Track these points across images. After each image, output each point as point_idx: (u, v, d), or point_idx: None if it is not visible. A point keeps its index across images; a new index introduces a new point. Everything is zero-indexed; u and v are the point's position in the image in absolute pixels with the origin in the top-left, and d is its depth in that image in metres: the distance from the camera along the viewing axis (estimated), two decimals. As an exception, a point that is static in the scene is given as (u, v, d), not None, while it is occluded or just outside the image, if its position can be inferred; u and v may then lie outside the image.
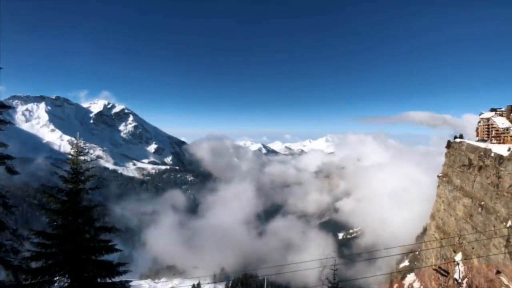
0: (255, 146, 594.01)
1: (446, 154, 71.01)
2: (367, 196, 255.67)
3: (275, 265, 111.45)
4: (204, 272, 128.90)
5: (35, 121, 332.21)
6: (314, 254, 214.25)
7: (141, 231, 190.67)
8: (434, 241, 66.14)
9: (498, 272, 50.41)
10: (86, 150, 11.28)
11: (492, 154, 57.27)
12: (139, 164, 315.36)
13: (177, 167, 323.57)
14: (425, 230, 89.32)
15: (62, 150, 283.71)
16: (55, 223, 9.86)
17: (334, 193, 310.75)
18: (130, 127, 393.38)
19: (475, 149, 61.07)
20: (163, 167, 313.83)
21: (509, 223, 50.51)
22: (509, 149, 53.68)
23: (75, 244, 9.67)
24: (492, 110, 62.06)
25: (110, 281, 10.63)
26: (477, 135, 64.10)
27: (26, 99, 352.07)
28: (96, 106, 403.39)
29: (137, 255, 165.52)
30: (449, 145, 69.83)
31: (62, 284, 9.68)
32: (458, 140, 67.46)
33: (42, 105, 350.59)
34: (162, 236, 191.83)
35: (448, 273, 23.47)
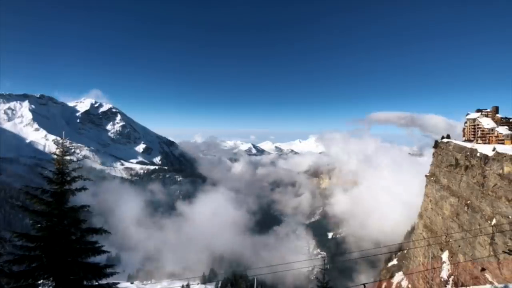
0: (245, 146, 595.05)
1: (433, 154, 72.37)
2: (357, 196, 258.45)
3: (265, 265, 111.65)
4: (193, 273, 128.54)
5: (18, 120, 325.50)
6: (304, 253, 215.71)
7: (129, 232, 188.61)
8: (422, 240, 67.46)
9: (483, 269, 51.71)
10: (72, 150, 11.41)
11: (478, 154, 58.59)
12: (127, 164, 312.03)
13: (166, 167, 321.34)
14: (413, 229, 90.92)
15: (47, 150, 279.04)
16: (39, 225, 9.71)
17: (324, 193, 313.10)
18: (118, 126, 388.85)
19: (461, 149, 62.41)
20: (152, 167, 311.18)
21: (493, 222, 51.78)
22: (494, 149, 54.99)
23: (60, 246, 9.54)
24: (478, 110, 63.56)
25: (97, 283, 10.49)
26: (464, 135, 65.55)
27: (9, 97, 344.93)
28: (82, 105, 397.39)
29: (125, 257, 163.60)
30: (436, 145, 71.14)
31: (46, 287, 9.54)
32: (445, 140, 68.81)
33: (26, 104, 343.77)
34: (150, 237, 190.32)
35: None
